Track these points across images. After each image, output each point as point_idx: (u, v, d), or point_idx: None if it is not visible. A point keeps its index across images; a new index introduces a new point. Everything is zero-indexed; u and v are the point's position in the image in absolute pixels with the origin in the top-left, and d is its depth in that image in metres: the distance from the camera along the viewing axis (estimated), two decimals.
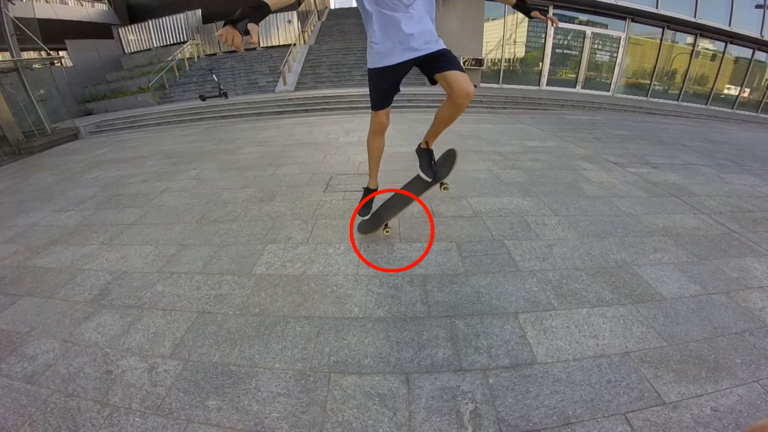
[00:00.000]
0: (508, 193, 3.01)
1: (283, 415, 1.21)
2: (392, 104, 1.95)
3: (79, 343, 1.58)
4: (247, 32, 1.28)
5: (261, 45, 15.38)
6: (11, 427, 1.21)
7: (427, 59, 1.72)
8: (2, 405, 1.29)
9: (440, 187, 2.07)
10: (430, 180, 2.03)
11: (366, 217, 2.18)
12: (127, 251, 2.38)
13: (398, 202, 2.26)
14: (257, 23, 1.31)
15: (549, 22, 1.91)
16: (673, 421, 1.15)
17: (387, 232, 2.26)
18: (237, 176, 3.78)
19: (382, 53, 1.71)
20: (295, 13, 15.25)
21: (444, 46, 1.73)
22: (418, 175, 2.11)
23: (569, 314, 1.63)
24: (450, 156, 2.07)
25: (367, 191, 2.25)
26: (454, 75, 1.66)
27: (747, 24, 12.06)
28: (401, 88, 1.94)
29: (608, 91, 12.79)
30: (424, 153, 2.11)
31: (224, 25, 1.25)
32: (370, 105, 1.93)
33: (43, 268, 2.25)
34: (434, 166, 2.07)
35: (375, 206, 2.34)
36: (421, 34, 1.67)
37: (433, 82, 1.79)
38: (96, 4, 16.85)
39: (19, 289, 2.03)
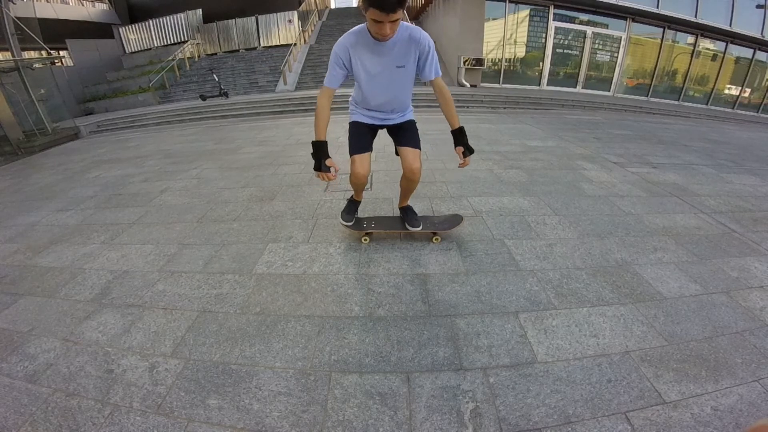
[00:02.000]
0: (509, 193, 3.01)
1: (284, 414, 1.21)
2: None
3: (80, 342, 1.58)
4: (327, 168, 1.75)
5: (261, 45, 15.40)
6: (12, 426, 1.21)
7: (396, 128, 2.02)
8: (3, 404, 1.29)
9: (432, 237, 2.26)
10: (419, 229, 2.21)
11: (349, 223, 2.26)
12: (128, 250, 2.38)
13: (382, 223, 2.35)
14: (328, 157, 1.77)
15: (461, 161, 1.90)
16: (673, 420, 1.15)
17: (365, 240, 2.28)
18: (237, 176, 3.78)
19: (363, 115, 1.99)
20: (295, 12, 15.25)
21: (411, 118, 2.03)
22: (407, 222, 2.26)
23: (570, 313, 1.63)
24: (456, 219, 2.33)
25: (352, 201, 2.33)
26: (405, 151, 1.96)
27: (748, 24, 12.05)
28: None
29: (609, 91, 12.78)
30: (406, 211, 2.28)
31: (316, 171, 1.77)
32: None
33: (43, 267, 2.26)
34: (419, 218, 2.26)
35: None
36: (391, 111, 1.96)
37: (398, 153, 2.04)
38: (96, 3, 16.87)
39: (20, 289, 2.04)
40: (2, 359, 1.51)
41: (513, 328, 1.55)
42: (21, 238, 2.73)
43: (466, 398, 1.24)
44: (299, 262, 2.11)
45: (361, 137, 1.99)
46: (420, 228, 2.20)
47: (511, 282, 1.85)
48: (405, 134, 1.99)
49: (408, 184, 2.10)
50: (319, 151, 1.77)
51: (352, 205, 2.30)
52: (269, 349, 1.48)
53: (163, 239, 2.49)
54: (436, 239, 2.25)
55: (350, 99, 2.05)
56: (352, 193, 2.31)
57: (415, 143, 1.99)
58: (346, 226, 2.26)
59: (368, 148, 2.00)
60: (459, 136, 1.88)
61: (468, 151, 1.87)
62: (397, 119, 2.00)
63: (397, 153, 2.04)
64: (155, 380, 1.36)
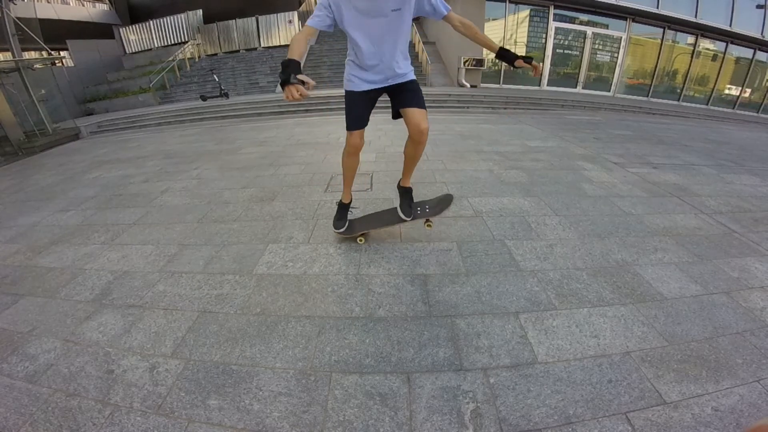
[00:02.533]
0: (509, 193, 3.01)
1: (284, 415, 1.21)
2: (388, 103, 1.98)
3: (80, 343, 1.58)
4: (301, 82, 1.41)
5: (262, 45, 15.41)
6: (12, 426, 1.21)
7: (398, 89, 1.87)
8: (4, 404, 1.30)
9: (425, 223, 2.20)
10: (408, 220, 2.15)
11: (341, 230, 2.24)
12: (129, 251, 2.38)
13: (375, 221, 2.32)
14: (300, 72, 1.44)
15: (532, 70, 1.79)
16: (674, 420, 1.15)
17: (361, 240, 2.27)
18: (238, 176, 3.78)
19: (360, 79, 1.85)
20: (295, 13, 15.28)
21: (412, 77, 1.89)
22: (401, 208, 2.21)
23: (570, 314, 1.63)
24: (446, 200, 2.22)
25: (342, 205, 2.27)
26: (412, 112, 1.82)
27: (748, 24, 12.07)
28: None
29: (609, 91, 12.79)
30: (405, 193, 2.21)
31: (283, 88, 1.41)
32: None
33: (44, 267, 2.26)
34: (413, 206, 2.18)
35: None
36: (399, 66, 1.81)
37: (395, 116, 1.94)
38: (97, 4, 16.89)
39: (21, 289, 2.04)
40: (3, 359, 1.51)
41: (513, 328, 1.55)
42: (22, 238, 2.73)
43: (467, 399, 1.24)
44: (300, 262, 2.11)
45: (358, 111, 1.90)
46: (410, 219, 2.15)
47: (511, 282, 1.85)
48: (408, 95, 1.85)
49: (415, 148, 1.95)
50: (291, 66, 1.45)
51: (343, 210, 2.26)
52: (270, 350, 1.48)
53: (164, 240, 2.50)
54: (429, 225, 2.21)
55: (346, 60, 1.91)
56: (341, 196, 2.29)
57: (421, 103, 1.85)
58: (340, 233, 2.25)
59: (365, 123, 1.94)
60: (507, 54, 1.79)
61: (527, 59, 1.77)
62: (398, 79, 1.85)
63: (395, 116, 1.92)
64: (156, 381, 1.36)
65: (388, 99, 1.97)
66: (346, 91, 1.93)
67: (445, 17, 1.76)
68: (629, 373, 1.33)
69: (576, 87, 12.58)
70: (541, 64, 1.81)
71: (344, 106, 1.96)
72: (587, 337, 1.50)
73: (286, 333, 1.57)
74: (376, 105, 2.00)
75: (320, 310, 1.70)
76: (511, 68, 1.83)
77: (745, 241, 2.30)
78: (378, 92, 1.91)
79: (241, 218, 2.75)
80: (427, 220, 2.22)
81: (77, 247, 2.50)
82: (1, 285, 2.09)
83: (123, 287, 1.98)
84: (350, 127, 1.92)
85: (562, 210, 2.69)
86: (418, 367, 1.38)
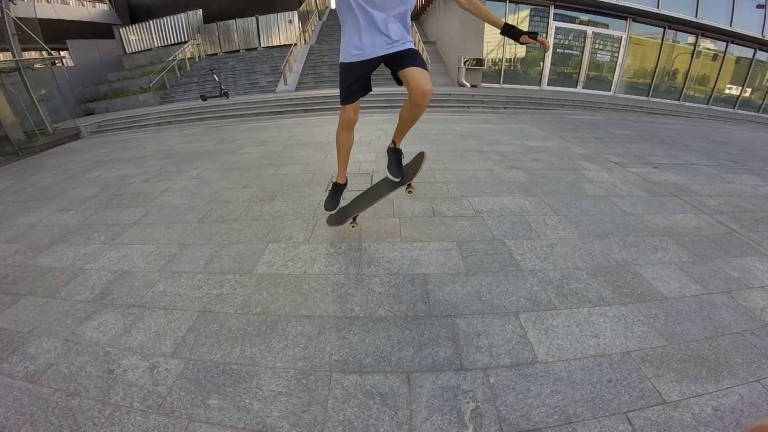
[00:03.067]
0: (509, 193, 3.01)
1: (284, 414, 1.21)
2: (389, 102, 1.96)
3: (80, 343, 1.58)
4: None
5: (262, 45, 15.41)
6: (13, 426, 1.21)
7: (395, 57, 1.78)
8: (4, 404, 1.30)
9: (406, 189, 2.13)
10: (397, 180, 2.09)
11: (332, 212, 2.21)
12: (129, 251, 2.38)
13: (365, 199, 2.28)
14: None
15: (542, 46, 1.81)
16: (674, 420, 1.15)
17: (353, 226, 2.25)
18: (238, 176, 3.79)
19: (356, 48, 1.77)
20: (296, 13, 15.28)
21: (412, 46, 1.81)
22: (390, 170, 2.15)
23: (570, 314, 1.63)
24: (418, 158, 2.10)
25: (336, 186, 2.24)
26: (412, 72, 1.70)
27: (748, 24, 12.07)
28: (400, 88, 1.94)
29: (609, 91, 12.78)
30: (393, 153, 2.15)
31: None
32: (339, 99, 1.94)
33: (44, 267, 2.26)
34: (402, 167, 2.12)
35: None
36: (395, 33, 1.74)
37: (399, 82, 1.84)
38: (97, 4, 16.88)
39: (21, 289, 2.04)
40: (3, 359, 1.51)
41: (513, 328, 1.55)
42: (22, 238, 2.74)
43: (467, 398, 1.24)
44: (300, 262, 2.11)
45: (352, 83, 1.85)
46: (399, 180, 2.10)
47: (511, 282, 1.85)
48: (407, 60, 1.74)
49: (413, 111, 1.86)
50: None
51: (336, 191, 2.21)
52: (270, 349, 1.49)
53: (164, 239, 2.50)
54: (410, 190, 2.14)
55: (342, 39, 1.85)
56: (329, 191, 2.26)
57: (422, 65, 1.75)
58: (332, 222, 2.21)
59: (358, 96, 1.90)
60: (512, 29, 1.79)
61: (533, 34, 1.76)
62: (395, 47, 1.75)
63: (397, 81, 1.84)
64: (156, 380, 1.36)
65: (384, 90, 1.93)
66: (341, 64, 1.88)
67: None
68: (629, 372, 1.33)
69: (576, 87, 12.57)
70: (547, 39, 1.80)
71: (338, 80, 1.91)
72: (587, 336, 1.50)
73: (286, 332, 1.57)
74: (377, 105, 1.99)
75: (320, 310, 1.70)
76: (518, 44, 1.83)
77: (746, 240, 2.30)
78: (375, 62, 1.82)
79: (241, 218, 2.75)
80: (408, 186, 2.14)
81: (77, 246, 2.50)
82: (1, 285, 2.09)
83: (123, 287, 1.98)
84: (344, 100, 1.89)
85: (562, 210, 2.69)
86: (418, 367, 1.38)
